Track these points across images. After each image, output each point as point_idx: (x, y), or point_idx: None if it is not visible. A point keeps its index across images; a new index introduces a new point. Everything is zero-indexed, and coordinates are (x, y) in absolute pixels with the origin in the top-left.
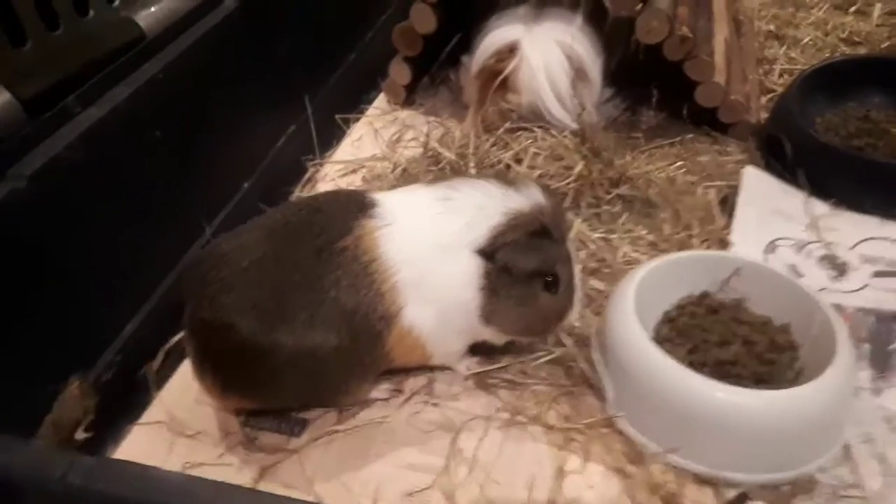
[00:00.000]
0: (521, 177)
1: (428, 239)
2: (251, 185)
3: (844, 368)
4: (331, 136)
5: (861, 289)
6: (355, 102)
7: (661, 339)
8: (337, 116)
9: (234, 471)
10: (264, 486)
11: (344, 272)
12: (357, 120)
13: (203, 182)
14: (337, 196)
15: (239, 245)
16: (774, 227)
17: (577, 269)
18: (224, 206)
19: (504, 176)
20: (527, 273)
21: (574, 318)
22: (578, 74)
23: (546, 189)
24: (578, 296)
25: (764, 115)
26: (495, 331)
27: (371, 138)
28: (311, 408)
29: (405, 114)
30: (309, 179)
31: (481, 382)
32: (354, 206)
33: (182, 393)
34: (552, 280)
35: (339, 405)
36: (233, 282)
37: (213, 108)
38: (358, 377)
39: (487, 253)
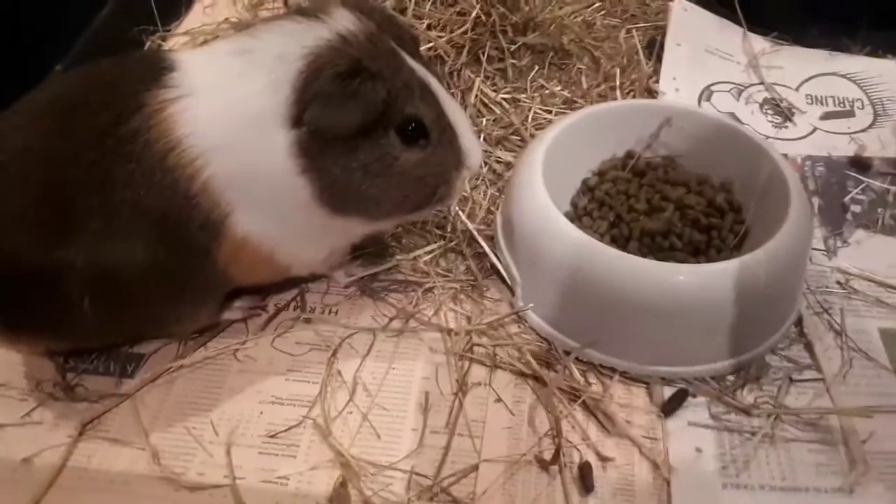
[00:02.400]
0: (328, 2)
1: (232, 113)
2: (65, 66)
3: (799, 228)
4: (178, 2)
5: (809, 134)
6: None
7: (579, 214)
8: None
9: (46, 430)
10: (86, 445)
11: (138, 165)
12: None
13: None
14: (128, 59)
15: None
16: (709, 69)
17: (450, 101)
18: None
19: (310, 8)
20: (351, 130)
21: (475, 165)
22: None
23: (361, 6)
24: (468, 136)
25: None
26: (358, 221)
27: (227, 2)
28: (146, 340)
29: None
30: None
31: (365, 289)
32: (148, 71)
33: None
34: (413, 128)
35: (175, 336)
36: None
37: None
38: (189, 301)
39: (296, 119)
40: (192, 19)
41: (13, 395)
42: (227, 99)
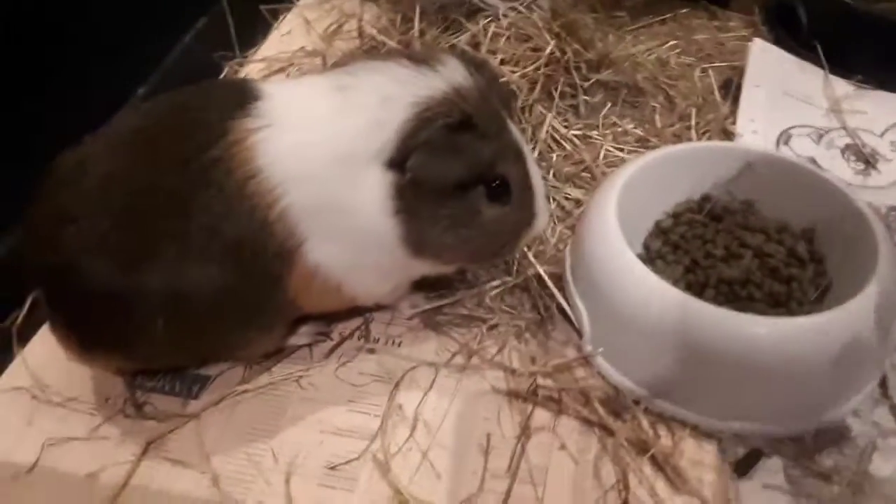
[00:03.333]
0: (437, 50)
1: (321, 147)
2: (147, 92)
3: (887, 283)
4: (254, 30)
5: (895, 183)
6: None
7: (651, 256)
8: (262, 7)
9: (112, 446)
10: (149, 464)
11: (217, 192)
12: (288, 10)
13: (85, 87)
14: (213, 87)
15: (81, 160)
16: (788, 113)
17: (533, 164)
18: (108, 120)
19: (417, 52)
20: (451, 183)
21: (541, 229)
22: None
23: (473, 60)
24: (542, 201)
25: None
26: (432, 263)
27: (303, 31)
28: (213, 363)
29: (346, 2)
30: None
31: (429, 321)
32: (233, 100)
33: (52, 351)
34: (498, 185)
35: (241, 359)
36: (72, 208)
37: None
38: (258, 327)
39: (397, 162)
40: (269, 47)
41: (83, 410)
42: (316, 133)
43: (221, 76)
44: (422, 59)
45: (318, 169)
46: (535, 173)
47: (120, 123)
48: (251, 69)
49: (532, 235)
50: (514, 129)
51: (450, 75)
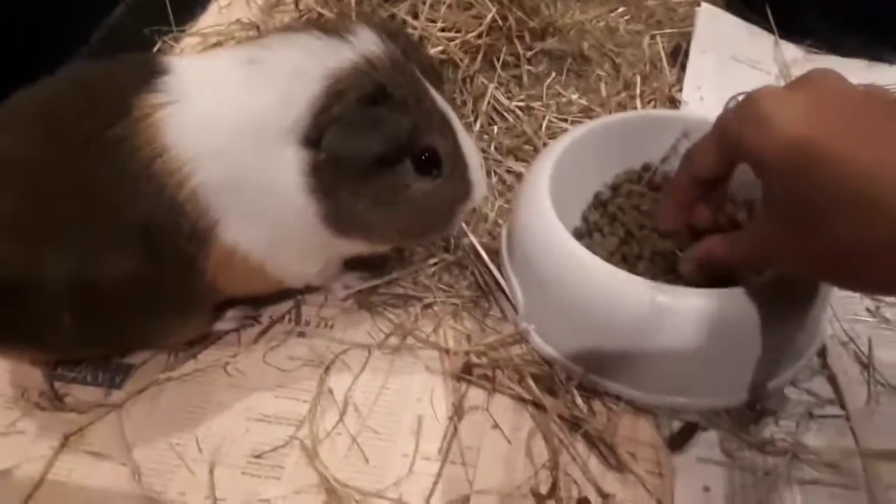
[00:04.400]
0: (349, 20)
1: (230, 122)
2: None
3: None
4: (192, 2)
5: None
6: None
7: (590, 229)
8: None
9: (28, 441)
10: (67, 458)
11: (122, 172)
12: None
13: None
14: (116, 62)
15: None
16: (737, 78)
17: (464, 133)
18: None
19: (330, 22)
20: (369, 159)
21: (478, 201)
22: None
23: (386, 28)
24: (477, 171)
25: None
26: (361, 241)
27: (242, 3)
28: (135, 351)
29: None
30: None
31: (363, 302)
32: (137, 75)
33: None
34: (427, 158)
35: (164, 347)
36: None
37: None
38: (176, 313)
39: (311, 140)
40: (207, 20)
41: None
42: (226, 108)
43: (153, 51)
44: (333, 29)
45: (228, 145)
46: (467, 142)
47: (15, 101)
48: (186, 44)
49: (468, 208)
50: (437, 97)
51: (362, 45)
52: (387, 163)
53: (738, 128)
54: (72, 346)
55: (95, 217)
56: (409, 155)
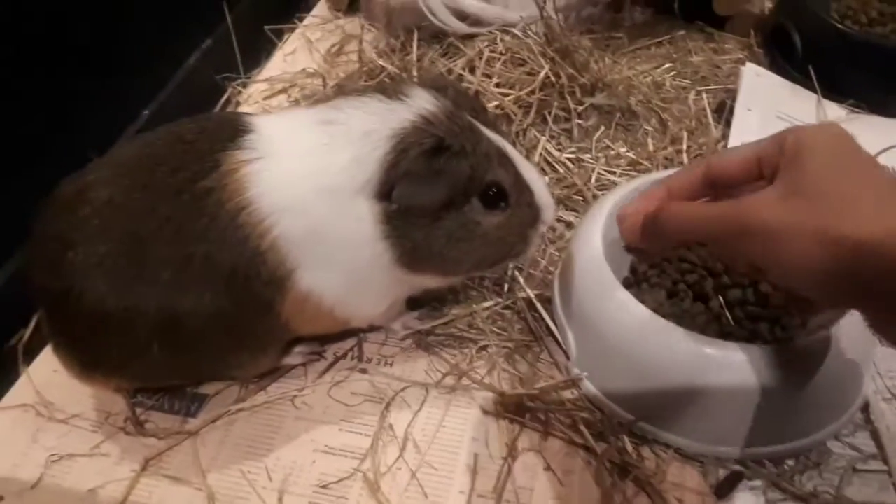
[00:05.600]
0: (405, 82)
1: (310, 179)
2: (153, 112)
3: None
4: (259, 50)
5: None
6: (290, 10)
7: (637, 279)
8: (266, 27)
9: (112, 463)
10: (147, 481)
11: (211, 221)
12: (292, 31)
13: (90, 108)
14: (208, 120)
15: (81, 188)
16: None
17: (524, 162)
18: (117, 139)
19: (390, 86)
20: (436, 205)
21: (550, 220)
22: None
23: (437, 85)
24: (543, 193)
25: (769, 6)
26: (433, 278)
27: (306, 51)
28: (210, 382)
29: (349, 22)
30: (228, 102)
31: (421, 342)
32: (225, 132)
33: (55, 370)
34: (494, 193)
35: (236, 379)
36: (72, 234)
37: (98, 17)
38: (251, 349)
39: (383, 194)
40: (272, 67)
41: (85, 427)
42: (305, 165)
43: (224, 97)
44: (393, 92)
45: (306, 201)
46: (528, 170)
47: (118, 153)
48: (254, 90)
49: (541, 230)
50: (492, 135)
51: (418, 105)
52: (454, 205)
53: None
54: (156, 374)
55: (185, 259)
56: (475, 194)
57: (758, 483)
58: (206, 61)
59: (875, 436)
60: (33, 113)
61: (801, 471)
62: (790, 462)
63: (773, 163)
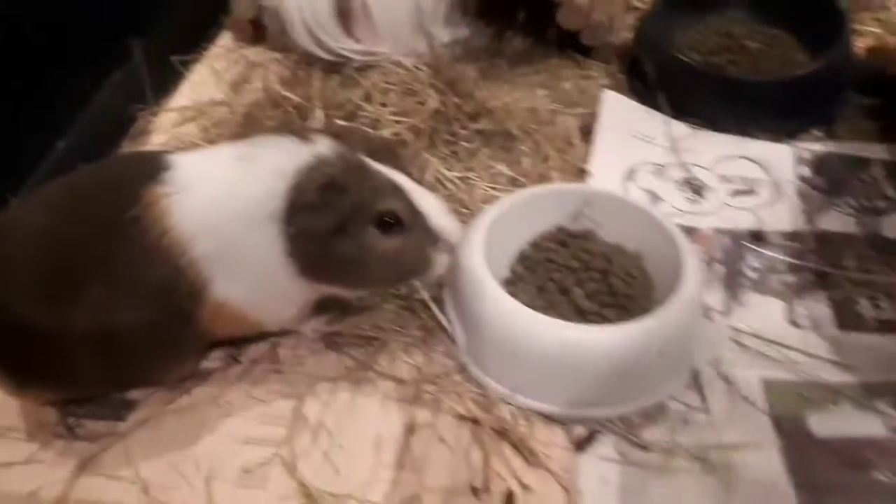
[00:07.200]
0: (311, 129)
1: (224, 207)
2: (68, 144)
3: (688, 299)
4: (167, 81)
5: (718, 209)
6: (198, 41)
7: (514, 279)
8: (173, 58)
9: (48, 468)
10: (85, 481)
11: (137, 246)
12: (198, 61)
13: (4, 140)
14: (130, 159)
15: (13, 219)
16: (634, 153)
17: (419, 191)
18: (33, 172)
19: (300, 131)
20: (328, 231)
21: (454, 239)
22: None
23: (338, 132)
24: (439, 216)
25: (629, 36)
26: (343, 289)
27: (212, 81)
28: (137, 388)
29: (253, 52)
30: (140, 132)
31: (330, 342)
32: (147, 170)
33: None
34: (390, 220)
35: (161, 384)
36: (8, 261)
37: (10, 51)
38: (174, 355)
39: (286, 220)
40: (182, 97)
41: (19, 437)
42: (221, 195)
43: (135, 127)
44: (301, 135)
45: (220, 224)
46: (425, 198)
47: (49, 188)
48: (164, 119)
49: (443, 250)
50: (387, 171)
51: (317, 148)
52: (349, 230)
53: None
54: (87, 386)
55: (115, 279)
56: (369, 222)
57: (610, 437)
58: (115, 92)
59: (701, 394)
60: None
61: (645, 425)
62: (636, 419)
63: None
